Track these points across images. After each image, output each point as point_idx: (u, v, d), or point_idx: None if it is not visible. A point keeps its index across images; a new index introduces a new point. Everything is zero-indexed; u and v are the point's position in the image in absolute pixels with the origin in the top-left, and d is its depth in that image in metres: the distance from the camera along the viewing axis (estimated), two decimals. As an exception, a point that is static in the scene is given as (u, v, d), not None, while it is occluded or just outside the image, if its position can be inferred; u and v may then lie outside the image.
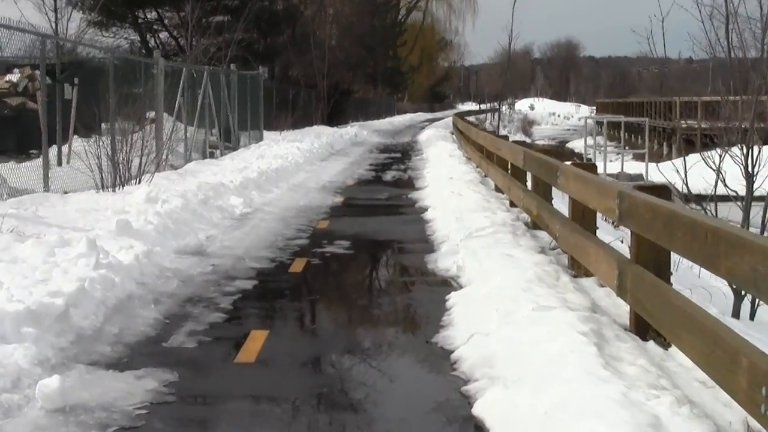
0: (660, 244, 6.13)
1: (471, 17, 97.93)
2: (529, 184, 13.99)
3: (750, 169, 9.72)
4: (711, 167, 10.06)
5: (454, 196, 15.68)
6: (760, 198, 9.99)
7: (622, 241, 9.61)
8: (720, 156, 9.96)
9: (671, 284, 6.80)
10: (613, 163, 29.37)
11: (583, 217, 9.17)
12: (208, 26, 32.08)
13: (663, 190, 6.85)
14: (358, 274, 11.02)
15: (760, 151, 9.77)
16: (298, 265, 10.77)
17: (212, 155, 24.45)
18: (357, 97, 64.18)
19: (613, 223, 9.86)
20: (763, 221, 9.60)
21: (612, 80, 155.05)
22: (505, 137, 19.66)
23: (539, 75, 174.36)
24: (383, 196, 18.76)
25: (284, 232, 13.32)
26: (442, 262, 10.47)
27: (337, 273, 10.93)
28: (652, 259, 6.70)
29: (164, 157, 19.00)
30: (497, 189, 16.92)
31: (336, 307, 9.07)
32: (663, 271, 6.72)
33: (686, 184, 10.31)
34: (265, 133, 32.50)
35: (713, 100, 35.33)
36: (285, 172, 21.21)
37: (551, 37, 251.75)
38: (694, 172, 13.73)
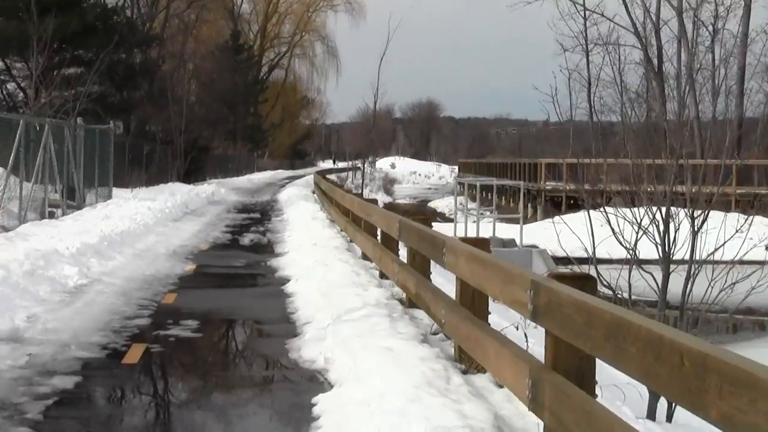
0: (594, 355, 4.74)
1: (334, 75, 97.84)
2: (401, 252, 12.64)
3: (667, 248, 8.43)
4: (625, 247, 8.74)
5: (319, 265, 14.17)
6: (679, 262, 8.68)
7: (517, 328, 8.24)
8: (637, 234, 8.65)
9: (596, 396, 5.45)
10: (480, 226, 28.36)
11: (473, 302, 7.79)
12: (57, 77, 30.07)
13: (587, 281, 5.48)
14: (207, 367, 9.21)
15: (678, 228, 8.49)
16: (134, 354, 9.04)
17: (52, 215, 22.29)
18: (216, 154, 62.25)
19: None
20: (682, 305, 8.34)
21: (471, 141, 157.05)
22: (375, 201, 18.28)
23: (400, 134, 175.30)
24: (240, 264, 17.06)
25: (123, 309, 11.53)
26: (307, 350, 8.90)
27: (180, 364, 9.18)
28: (573, 366, 5.33)
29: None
30: (365, 256, 15.50)
31: (174, 415, 7.33)
32: (586, 381, 5.36)
33: (596, 266, 8.97)
34: (116, 191, 30.52)
35: (574, 162, 34.96)
36: (132, 236, 19.29)
37: (412, 97, 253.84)
38: (567, 231, 12.56)
